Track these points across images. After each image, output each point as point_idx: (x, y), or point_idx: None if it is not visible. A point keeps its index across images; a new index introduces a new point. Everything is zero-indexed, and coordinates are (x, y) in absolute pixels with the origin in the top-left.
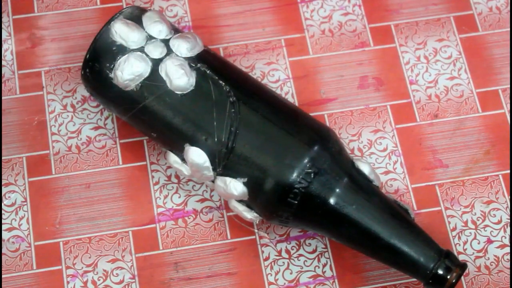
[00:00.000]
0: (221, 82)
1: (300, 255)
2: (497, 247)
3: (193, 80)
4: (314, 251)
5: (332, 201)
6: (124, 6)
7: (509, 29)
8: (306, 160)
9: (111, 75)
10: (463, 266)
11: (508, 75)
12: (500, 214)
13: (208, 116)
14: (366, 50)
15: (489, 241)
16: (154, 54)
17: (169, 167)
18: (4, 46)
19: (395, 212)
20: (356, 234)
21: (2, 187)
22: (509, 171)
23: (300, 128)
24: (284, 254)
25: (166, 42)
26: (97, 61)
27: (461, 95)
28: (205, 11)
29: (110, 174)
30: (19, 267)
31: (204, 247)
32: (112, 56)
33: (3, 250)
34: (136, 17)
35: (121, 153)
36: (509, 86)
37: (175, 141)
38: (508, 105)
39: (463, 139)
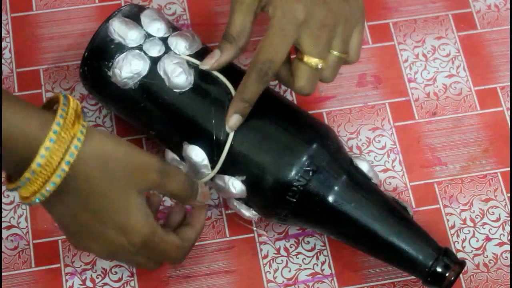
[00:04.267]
0: (219, 80)
1: (299, 253)
2: (496, 245)
3: (191, 78)
4: (312, 249)
5: (330, 199)
6: (123, 4)
7: (507, 27)
8: (304, 158)
9: (110, 73)
10: (461, 264)
11: (506, 73)
12: (498, 211)
13: (206, 114)
14: (364, 48)
15: (488, 239)
16: (153, 52)
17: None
18: (3, 44)
19: (393, 210)
20: (354, 232)
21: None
22: (507, 169)
23: (299, 126)
24: (282, 252)
25: (164, 40)
26: (96, 59)
27: (459, 93)
28: (203, 9)
29: None
30: (17, 265)
31: (203, 245)
32: (111, 54)
33: (2, 249)
34: (134, 15)
35: None
36: (507, 84)
37: (173, 139)
38: (507, 103)
39: (461, 137)
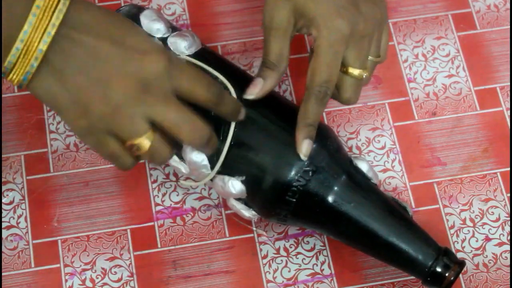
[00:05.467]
0: (219, 79)
1: (299, 253)
2: (495, 245)
3: None
4: (312, 249)
5: (330, 199)
6: (122, 5)
7: (507, 27)
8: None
9: None
10: (461, 264)
11: (506, 73)
12: (498, 212)
13: (205, 114)
14: None
15: (487, 239)
16: None
17: (167, 165)
18: None
19: (393, 210)
20: (354, 232)
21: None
22: (507, 169)
23: None
24: (282, 252)
25: (164, 40)
26: None
27: (459, 93)
28: (203, 9)
29: (108, 172)
30: (17, 265)
31: (203, 245)
32: None
33: (2, 249)
34: (133, 15)
35: None
36: (507, 84)
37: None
38: (506, 103)
39: (461, 137)
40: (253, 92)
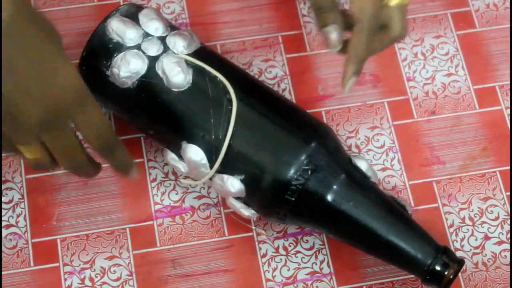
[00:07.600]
0: (218, 79)
1: (298, 252)
2: (495, 244)
3: (190, 77)
4: (311, 248)
5: (329, 198)
6: (121, 3)
7: (506, 25)
8: (303, 157)
9: (108, 72)
10: (460, 262)
11: (505, 72)
12: (497, 210)
13: (205, 113)
14: None
15: (487, 238)
16: (151, 52)
17: (166, 164)
18: None
19: (392, 209)
20: (353, 231)
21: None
22: (506, 168)
23: (297, 125)
24: (281, 251)
25: (162, 39)
26: (94, 59)
27: (458, 91)
28: (202, 8)
29: (108, 171)
30: (16, 264)
31: (202, 244)
32: (109, 54)
33: (1, 248)
34: (132, 14)
35: None
36: (506, 82)
37: (172, 138)
38: (506, 102)
39: (460, 135)
40: (335, 42)
